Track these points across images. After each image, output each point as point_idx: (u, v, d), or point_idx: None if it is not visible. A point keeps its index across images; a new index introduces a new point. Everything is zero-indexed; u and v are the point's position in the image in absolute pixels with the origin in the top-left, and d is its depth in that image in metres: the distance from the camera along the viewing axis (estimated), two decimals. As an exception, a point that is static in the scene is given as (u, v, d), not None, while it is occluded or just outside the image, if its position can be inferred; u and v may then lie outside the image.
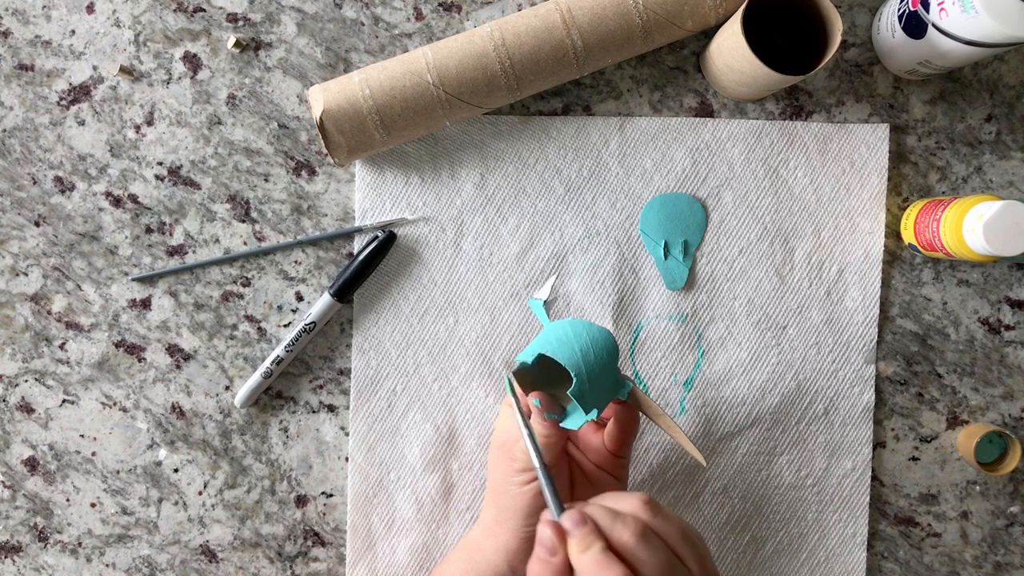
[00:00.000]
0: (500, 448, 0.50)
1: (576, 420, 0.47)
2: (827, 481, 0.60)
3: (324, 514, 0.60)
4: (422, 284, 0.60)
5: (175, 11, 0.59)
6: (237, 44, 0.58)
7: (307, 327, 0.58)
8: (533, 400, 0.48)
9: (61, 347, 0.60)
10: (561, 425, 0.47)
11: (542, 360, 0.49)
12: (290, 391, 0.60)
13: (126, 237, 0.59)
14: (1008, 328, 0.60)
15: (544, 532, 0.39)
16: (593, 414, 0.46)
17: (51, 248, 0.59)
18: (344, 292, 0.58)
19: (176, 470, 0.60)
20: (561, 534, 0.39)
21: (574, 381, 0.46)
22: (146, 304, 0.60)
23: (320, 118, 0.53)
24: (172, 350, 0.60)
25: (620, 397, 0.49)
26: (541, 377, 0.50)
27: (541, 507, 0.48)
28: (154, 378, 0.60)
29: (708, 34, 0.58)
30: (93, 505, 0.60)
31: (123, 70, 0.59)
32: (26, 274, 0.59)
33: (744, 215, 0.60)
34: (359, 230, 0.59)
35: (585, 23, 0.54)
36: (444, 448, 0.60)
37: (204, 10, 0.59)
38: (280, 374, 0.59)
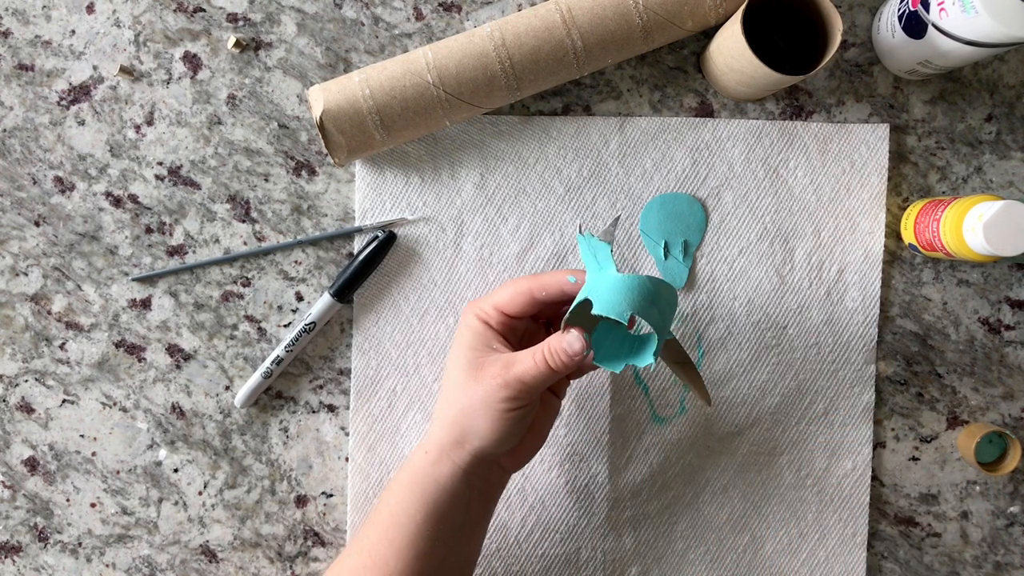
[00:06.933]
0: (484, 369, 0.48)
1: (619, 365, 0.47)
2: (827, 481, 0.60)
3: (324, 514, 0.60)
4: (422, 284, 0.60)
5: (175, 11, 0.59)
6: (237, 44, 0.58)
7: (307, 327, 0.58)
8: (582, 336, 0.46)
9: (61, 347, 0.60)
10: (601, 365, 0.48)
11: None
12: (290, 391, 0.60)
13: (126, 237, 0.59)
14: (1008, 328, 0.60)
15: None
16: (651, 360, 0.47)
17: (51, 248, 0.59)
18: (344, 292, 0.58)
19: (176, 470, 0.60)
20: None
21: (656, 342, 0.46)
22: (146, 304, 0.60)
23: (320, 118, 0.53)
24: (172, 350, 0.60)
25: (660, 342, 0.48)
26: (588, 316, 0.47)
27: (519, 433, 0.48)
28: (154, 378, 0.60)
29: (708, 34, 0.58)
30: (93, 505, 0.60)
31: (123, 70, 0.59)
32: (26, 274, 0.59)
33: (744, 215, 0.60)
34: (359, 230, 0.59)
35: (585, 23, 0.54)
36: (444, 448, 0.60)
37: (204, 10, 0.59)
38: (280, 374, 0.59)
